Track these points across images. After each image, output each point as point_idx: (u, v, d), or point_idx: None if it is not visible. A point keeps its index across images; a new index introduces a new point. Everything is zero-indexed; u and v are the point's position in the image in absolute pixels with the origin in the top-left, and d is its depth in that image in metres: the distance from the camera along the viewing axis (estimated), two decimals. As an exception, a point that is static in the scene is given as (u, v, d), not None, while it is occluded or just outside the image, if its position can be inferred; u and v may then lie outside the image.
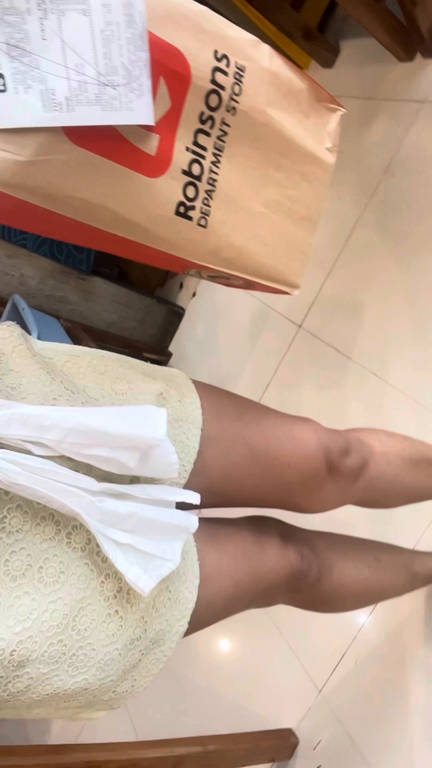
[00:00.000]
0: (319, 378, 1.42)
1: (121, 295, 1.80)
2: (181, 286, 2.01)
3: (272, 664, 1.29)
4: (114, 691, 0.50)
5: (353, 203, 1.46)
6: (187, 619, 0.53)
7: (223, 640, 1.41)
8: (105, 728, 1.57)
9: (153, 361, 0.66)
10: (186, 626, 0.53)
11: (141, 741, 1.09)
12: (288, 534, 0.70)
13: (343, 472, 0.68)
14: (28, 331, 1.22)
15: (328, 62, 1.66)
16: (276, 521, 0.71)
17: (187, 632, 0.54)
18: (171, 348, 1.96)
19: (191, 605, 0.53)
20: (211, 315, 1.84)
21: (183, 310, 1.96)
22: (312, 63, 1.71)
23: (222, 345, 1.74)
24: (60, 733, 1.73)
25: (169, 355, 1.93)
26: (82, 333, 1.50)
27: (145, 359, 0.63)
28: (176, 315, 1.95)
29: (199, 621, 0.56)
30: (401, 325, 1.27)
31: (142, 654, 0.50)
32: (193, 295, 1.95)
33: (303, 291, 1.51)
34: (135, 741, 1.10)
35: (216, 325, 1.80)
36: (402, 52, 1.43)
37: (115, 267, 1.97)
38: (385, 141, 1.44)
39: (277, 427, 0.66)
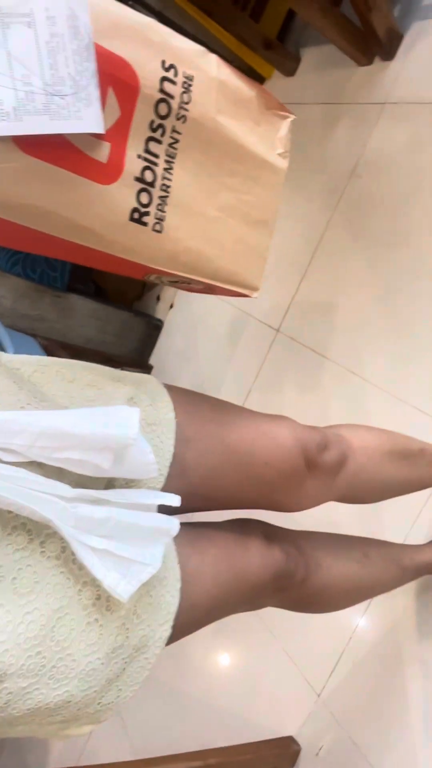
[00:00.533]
0: (300, 380, 1.43)
1: (98, 311, 1.80)
2: (158, 298, 2.01)
3: (269, 672, 1.28)
4: (99, 703, 0.49)
5: (323, 206, 1.48)
6: (171, 623, 0.52)
7: (218, 650, 1.40)
8: (104, 749, 1.54)
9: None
10: (169, 631, 0.52)
11: (141, 759, 1.07)
12: (272, 534, 0.70)
13: (323, 467, 0.68)
14: (4, 351, 1.21)
15: (290, 70, 1.69)
16: (259, 522, 0.71)
17: (172, 638, 0.54)
18: (151, 360, 1.96)
19: (174, 609, 0.52)
20: (189, 325, 1.85)
21: (161, 322, 1.97)
22: (274, 72, 1.74)
23: (202, 354, 1.74)
24: (59, 758, 1.70)
25: (150, 367, 1.93)
26: (59, 350, 1.49)
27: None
28: (155, 327, 1.95)
29: (184, 625, 0.55)
30: (376, 322, 1.28)
31: (126, 662, 0.49)
32: (171, 306, 1.95)
33: (279, 295, 1.53)
34: (135, 760, 1.08)
35: (195, 335, 1.81)
36: (361, 56, 1.46)
37: (90, 283, 1.98)
38: (351, 144, 1.46)
39: (253, 426, 0.66)
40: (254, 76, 1.72)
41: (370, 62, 1.47)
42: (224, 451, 0.62)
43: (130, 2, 1.39)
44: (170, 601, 0.52)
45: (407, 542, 1.07)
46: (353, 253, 1.38)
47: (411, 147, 1.31)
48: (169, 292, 1.99)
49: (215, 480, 0.62)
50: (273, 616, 0.75)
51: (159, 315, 2.00)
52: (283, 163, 0.69)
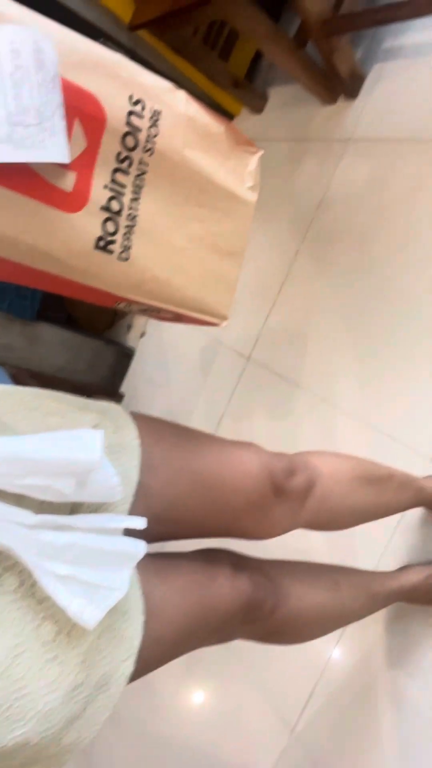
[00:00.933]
0: (271, 407, 1.44)
1: (69, 339, 1.79)
2: (129, 326, 2.02)
3: (242, 708, 1.25)
4: (59, 745, 0.47)
5: (291, 238, 1.51)
6: (133, 659, 0.50)
7: (188, 686, 1.36)
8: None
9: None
10: (132, 667, 0.50)
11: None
12: (240, 564, 0.69)
13: (290, 493, 0.67)
14: (-28, 380, 1.20)
15: (257, 108, 1.75)
16: (227, 552, 0.70)
17: (136, 674, 0.52)
18: (123, 388, 1.95)
19: (137, 644, 0.50)
20: (160, 353, 1.85)
21: (133, 350, 1.96)
22: (243, 109, 1.79)
23: (173, 382, 1.74)
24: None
25: (122, 395, 1.92)
26: (28, 379, 1.48)
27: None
28: (126, 356, 1.95)
29: (148, 660, 0.54)
30: (344, 349, 1.30)
31: (87, 701, 0.47)
32: (142, 335, 1.96)
33: (250, 323, 1.55)
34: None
35: (166, 363, 1.81)
36: (325, 95, 1.52)
37: (62, 311, 1.97)
38: (317, 178, 1.51)
39: (220, 453, 0.65)
40: (223, 113, 1.77)
41: (334, 101, 1.53)
42: (191, 479, 0.61)
43: (102, 39, 1.43)
44: (133, 635, 0.50)
45: (379, 569, 1.07)
46: (320, 282, 1.41)
47: (373, 182, 1.36)
48: (140, 321, 2.00)
49: (182, 507, 0.61)
50: (245, 649, 0.74)
51: (130, 343, 2.00)
52: (252, 197, 0.71)
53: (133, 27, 1.42)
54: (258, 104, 1.74)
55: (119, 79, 0.58)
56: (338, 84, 1.46)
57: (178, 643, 0.57)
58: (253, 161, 0.72)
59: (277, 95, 1.73)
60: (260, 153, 0.72)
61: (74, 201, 0.52)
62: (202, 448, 0.65)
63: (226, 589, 0.62)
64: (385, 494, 0.82)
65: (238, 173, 0.71)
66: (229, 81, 1.64)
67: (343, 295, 1.35)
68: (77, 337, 1.81)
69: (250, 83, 1.72)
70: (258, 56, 1.75)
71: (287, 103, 1.68)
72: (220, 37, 1.61)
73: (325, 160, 1.51)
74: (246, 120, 1.78)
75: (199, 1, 1.18)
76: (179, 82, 0.66)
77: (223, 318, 0.70)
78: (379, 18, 1.24)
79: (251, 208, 0.72)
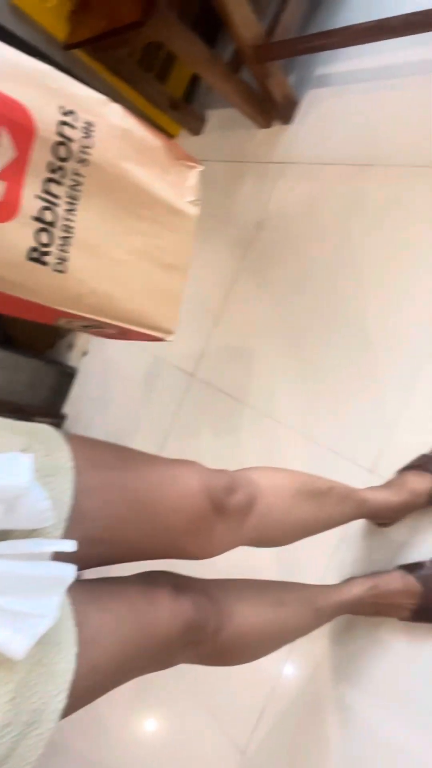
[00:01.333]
0: (215, 424, 1.43)
1: (7, 359, 1.73)
2: (71, 345, 1.97)
3: (191, 733, 1.21)
4: (-13, 789, 0.44)
5: (232, 257, 1.53)
6: (65, 693, 0.47)
7: (135, 714, 1.31)
8: None
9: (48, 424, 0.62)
10: (64, 702, 0.47)
11: None
12: (182, 585, 0.67)
13: (231, 510, 0.67)
14: None
15: (196, 130, 1.77)
16: (168, 574, 0.68)
17: (71, 708, 0.49)
18: (65, 409, 1.90)
19: (69, 677, 0.47)
20: (104, 373, 1.82)
21: (75, 370, 1.92)
22: (182, 131, 1.82)
23: (117, 402, 1.71)
24: None
25: (64, 416, 1.87)
26: (-37, 401, 1.42)
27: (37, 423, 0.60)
28: (68, 375, 1.90)
29: (84, 692, 0.51)
30: (285, 366, 1.32)
31: (16, 741, 0.44)
32: (84, 354, 1.92)
33: (194, 341, 1.55)
34: None
35: (110, 382, 1.78)
36: (261, 119, 1.56)
37: (-1, 331, 1.91)
38: (255, 199, 1.54)
39: (158, 473, 0.64)
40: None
41: (269, 125, 1.57)
42: (128, 499, 0.60)
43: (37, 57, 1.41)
44: (66, 668, 0.47)
45: (324, 582, 1.07)
46: (261, 300, 1.43)
47: (309, 202, 1.40)
48: (82, 339, 1.96)
49: (119, 529, 0.59)
50: (194, 672, 0.72)
51: (72, 362, 1.96)
52: (193, 210, 0.71)
53: (68, 46, 1.42)
54: (196, 126, 1.76)
55: (48, 89, 0.57)
56: (273, 108, 1.51)
57: (116, 672, 0.54)
58: (193, 175, 0.72)
59: (215, 118, 1.76)
60: (200, 168, 0.73)
61: (3, 210, 0.50)
62: (140, 468, 0.63)
63: (166, 613, 0.60)
64: (327, 507, 0.83)
65: (178, 187, 0.71)
66: (166, 102, 1.66)
67: (284, 313, 1.37)
68: (16, 357, 1.76)
69: (189, 105, 1.74)
70: (196, 78, 1.78)
71: (225, 125, 1.71)
72: (157, 58, 1.63)
73: (262, 181, 1.54)
74: (184, 141, 1.80)
75: (134, 23, 1.18)
76: (117, 102, 0.66)
77: (169, 332, 0.69)
78: (310, 46, 1.29)
79: (193, 222, 0.72)
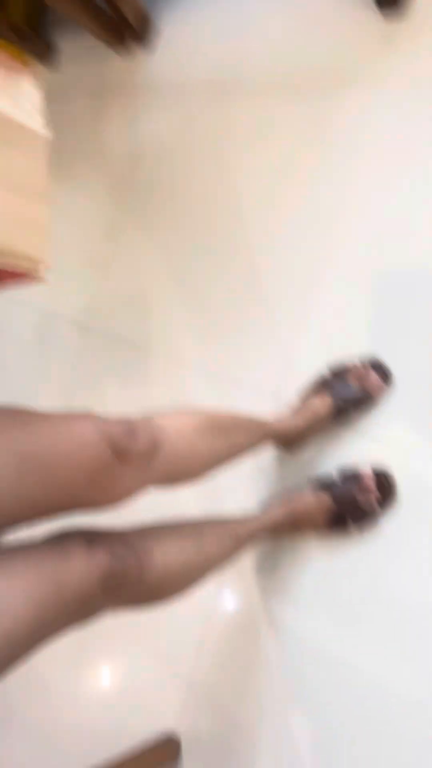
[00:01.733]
0: (118, 375, 1.40)
1: None
2: None
3: (136, 678, 1.24)
4: None
5: (108, 199, 1.45)
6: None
7: (79, 670, 1.32)
8: None
9: None
10: None
11: None
12: (95, 538, 0.65)
13: (133, 454, 0.65)
14: None
15: (47, 60, 1.62)
16: (81, 530, 0.66)
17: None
18: None
19: None
20: (-9, 339, 1.70)
21: (-40, 340, 1.78)
22: (36, 65, 1.66)
23: (10, 365, 1.61)
24: None
25: None
26: None
27: None
28: None
29: (3, 660, 0.49)
30: (178, 305, 1.29)
31: None
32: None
33: (84, 293, 1.47)
34: None
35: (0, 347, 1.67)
36: (118, 44, 1.45)
37: None
38: (123, 132, 1.45)
39: (51, 429, 0.61)
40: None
41: (127, 50, 1.47)
42: (21, 460, 0.56)
43: None
44: None
45: (244, 512, 1.10)
46: (147, 241, 1.38)
47: (179, 127, 1.34)
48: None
49: (16, 493, 0.56)
50: (128, 618, 0.72)
51: None
52: (39, 127, 0.65)
53: None
54: (48, 56, 1.61)
55: None
56: (128, 31, 1.41)
57: (32, 636, 0.52)
58: (28, 81, 0.66)
59: (70, 48, 1.62)
60: (34, 69, 0.67)
61: None
62: (31, 426, 0.60)
63: (80, 566, 0.58)
64: (231, 437, 0.83)
65: (17, 101, 0.64)
66: (9, 32, 1.50)
67: (170, 252, 1.33)
68: None
69: (36, 34, 1.59)
70: (42, 5, 1.61)
71: (82, 56, 1.58)
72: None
73: (128, 112, 1.45)
74: (42, 80, 1.64)
75: None
76: None
77: (39, 261, 0.64)
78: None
79: (43, 142, 0.66)
